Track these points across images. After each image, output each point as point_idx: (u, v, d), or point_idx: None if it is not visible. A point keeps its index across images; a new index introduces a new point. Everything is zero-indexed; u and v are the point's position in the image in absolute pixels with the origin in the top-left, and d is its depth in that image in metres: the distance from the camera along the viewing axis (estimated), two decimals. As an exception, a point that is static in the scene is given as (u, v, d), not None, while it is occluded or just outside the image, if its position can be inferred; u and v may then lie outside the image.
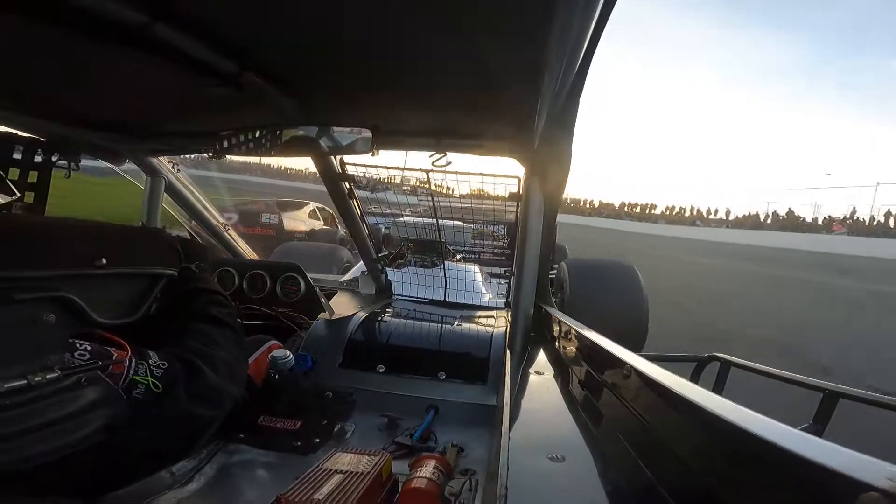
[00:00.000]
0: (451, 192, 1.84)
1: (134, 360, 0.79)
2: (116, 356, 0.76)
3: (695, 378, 1.24)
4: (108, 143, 1.48)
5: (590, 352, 1.07)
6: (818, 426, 0.80)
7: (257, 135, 1.28)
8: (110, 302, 0.93)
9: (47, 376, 0.64)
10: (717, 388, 1.11)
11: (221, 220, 2.15)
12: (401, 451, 1.08)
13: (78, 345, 0.72)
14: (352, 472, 0.86)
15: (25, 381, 0.62)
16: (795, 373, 1.03)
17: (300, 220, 10.55)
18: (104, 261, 0.89)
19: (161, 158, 1.73)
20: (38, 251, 0.80)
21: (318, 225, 10.97)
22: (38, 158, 1.31)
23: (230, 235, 2.18)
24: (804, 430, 0.42)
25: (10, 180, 1.20)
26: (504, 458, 0.67)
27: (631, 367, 0.78)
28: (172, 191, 1.84)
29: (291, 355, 1.30)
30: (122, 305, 0.97)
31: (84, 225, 1.01)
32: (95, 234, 0.98)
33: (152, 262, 1.04)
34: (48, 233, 0.87)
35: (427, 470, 0.88)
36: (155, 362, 0.82)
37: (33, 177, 1.30)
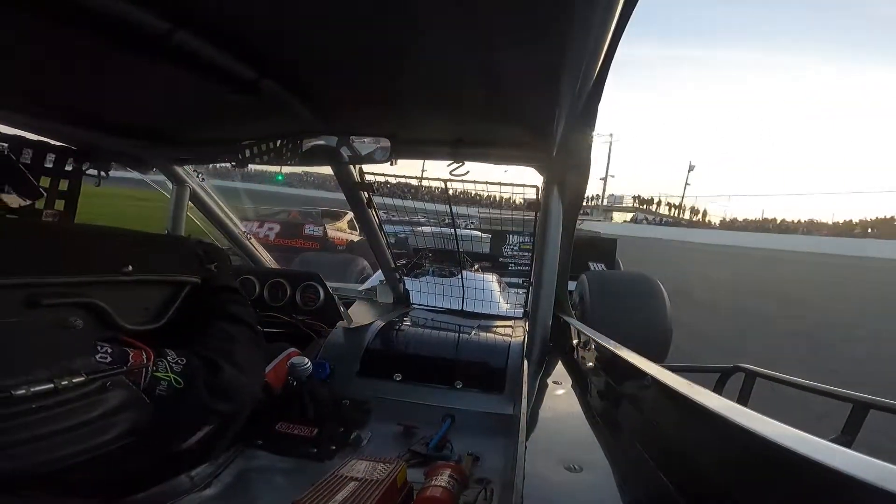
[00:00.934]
0: (469, 199, 1.84)
1: (153, 356, 0.80)
2: (134, 355, 0.78)
3: (718, 389, 1.20)
4: (136, 150, 1.52)
5: (609, 362, 1.05)
6: (848, 437, 0.77)
7: (278, 144, 1.30)
8: (136, 308, 0.95)
9: (73, 380, 0.65)
10: (742, 400, 1.07)
11: (243, 228, 2.19)
12: (416, 459, 1.08)
13: (99, 347, 0.73)
14: (367, 480, 0.85)
15: (52, 385, 0.63)
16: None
17: (341, 231, 9.91)
18: (131, 268, 0.91)
19: (186, 167, 1.77)
20: (67, 258, 0.82)
21: (357, 236, 9.65)
22: (68, 167, 1.35)
23: (251, 244, 2.22)
24: (832, 440, 0.40)
25: (42, 187, 1.25)
26: (520, 468, 0.66)
27: (651, 377, 0.76)
28: (197, 199, 1.88)
29: (310, 363, 1.31)
30: (148, 311, 0.99)
31: (112, 233, 1.04)
32: (123, 241, 1.01)
33: (177, 270, 1.07)
34: (77, 240, 0.90)
35: (442, 479, 0.87)
36: (173, 358, 0.83)
37: (64, 185, 1.34)
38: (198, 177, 1.84)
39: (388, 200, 1.81)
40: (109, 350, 0.74)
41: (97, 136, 1.35)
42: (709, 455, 0.56)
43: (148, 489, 0.87)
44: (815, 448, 0.39)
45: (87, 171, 1.41)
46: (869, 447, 0.45)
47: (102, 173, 1.47)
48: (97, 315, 0.84)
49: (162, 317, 1.01)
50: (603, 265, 5.67)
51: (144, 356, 0.78)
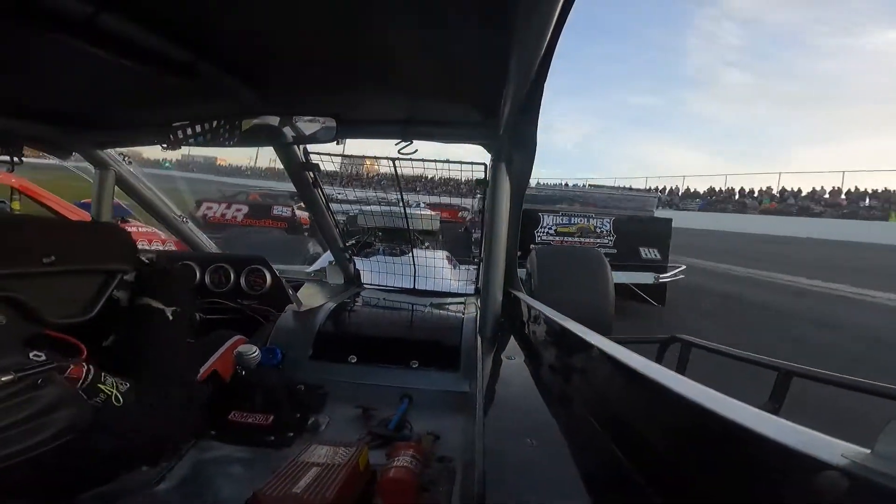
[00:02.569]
0: (418, 179, 1.83)
1: (93, 368, 0.76)
2: (73, 360, 0.74)
3: (659, 359, 1.29)
4: (54, 135, 1.39)
5: (559, 336, 1.10)
6: (775, 405, 0.86)
7: (214, 125, 1.23)
8: (62, 300, 0.90)
9: (2, 379, 0.62)
10: (680, 368, 1.16)
11: (178, 212, 2.07)
12: (376, 441, 1.09)
13: (33, 356, 0.69)
14: (328, 465, 0.85)
15: None
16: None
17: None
18: (53, 258, 0.86)
19: (110, 150, 1.64)
20: None
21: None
22: None
23: (189, 228, 2.10)
24: (761, 408, 0.45)
25: None
26: (480, 445, 0.68)
27: (599, 349, 0.80)
28: (124, 184, 1.75)
29: (258, 350, 1.27)
30: (76, 304, 0.94)
31: (30, 221, 0.96)
32: (43, 231, 0.93)
33: (105, 259, 1.00)
34: None
35: (404, 459, 0.88)
36: (119, 380, 0.80)
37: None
38: (124, 160, 1.70)
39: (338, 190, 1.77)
40: (42, 357, 0.70)
41: (12, 121, 1.22)
42: (652, 423, 0.61)
43: (97, 487, 0.83)
44: (745, 415, 0.43)
45: None
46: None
47: (16, 159, 1.33)
48: (20, 310, 0.78)
49: (92, 309, 0.95)
50: (656, 251, 5.31)
51: (85, 366, 0.74)
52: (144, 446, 0.86)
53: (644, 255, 5.32)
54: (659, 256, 5.34)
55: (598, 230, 5.53)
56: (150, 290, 1.07)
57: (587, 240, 5.45)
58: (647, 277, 5.20)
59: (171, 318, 1.06)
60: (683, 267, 5.60)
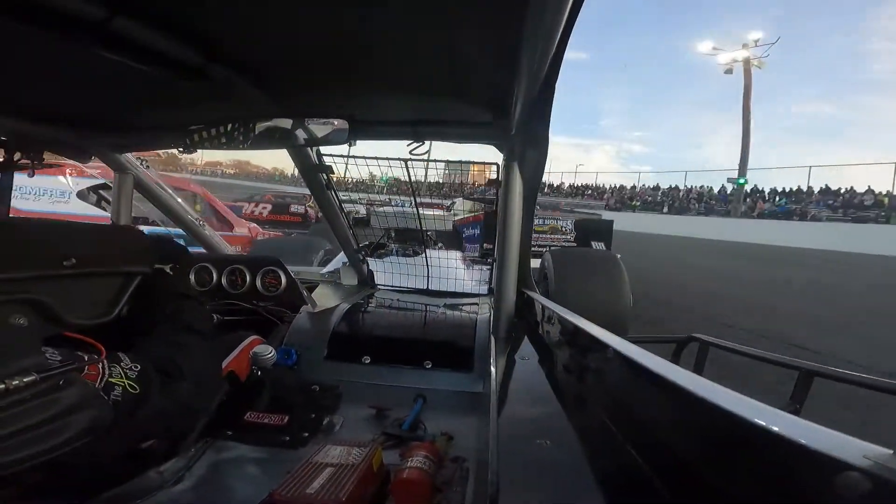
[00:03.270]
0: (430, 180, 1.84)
1: (106, 363, 0.77)
2: (89, 359, 0.75)
3: (675, 359, 1.27)
4: (74, 139, 1.42)
5: (573, 335, 1.09)
6: (796, 405, 0.84)
7: (229, 128, 1.25)
8: (83, 302, 0.92)
9: (24, 380, 0.63)
10: (697, 368, 1.14)
11: (195, 214, 2.11)
12: (390, 441, 1.09)
13: (49, 355, 0.70)
14: (343, 465, 0.86)
15: (3, 386, 0.60)
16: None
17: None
18: (74, 261, 0.87)
19: (129, 154, 1.67)
20: (4, 253, 0.77)
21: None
22: None
23: (206, 231, 2.14)
24: (782, 409, 0.44)
25: None
26: (493, 445, 0.68)
27: (613, 349, 0.79)
28: (142, 188, 1.79)
29: (274, 350, 1.29)
30: (96, 305, 0.95)
31: (51, 225, 0.98)
32: (63, 234, 0.95)
33: (124, 261, 1.02)
34: (13, 234, 0.85)
35: (418, 459, 0.88)
36: (127, 364, 0.80)
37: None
38: (142, 164, 1.74)
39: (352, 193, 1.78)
40: (59, 357, 0.71)
41: (29, 125, 1.25)
42: (668, 424, 0.60)
43: (116, 487, 0.85)
44: (765, 416, 0.42)
45: (20, 162, 1.31)
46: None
47: (36, 163, 1.37)
48: (41, 311, 0.80)
49: (111, 311, 0.97)
50: (603, 244, 7.20)
51: (101, 360, 0.76)
52: (164, 437, 0.88)
53: (594, 246, 7.14)
54: (604, 247, 7.21)
55: (564, 228, 7.64)
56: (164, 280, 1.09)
57: (556, 236, 7.55)
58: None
59: (169, 271, 1.10)
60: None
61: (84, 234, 1.01)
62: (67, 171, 5.07)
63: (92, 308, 0.94)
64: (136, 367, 0.82)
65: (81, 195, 5.20)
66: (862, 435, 0.36)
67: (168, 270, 1.10)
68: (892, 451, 0.33)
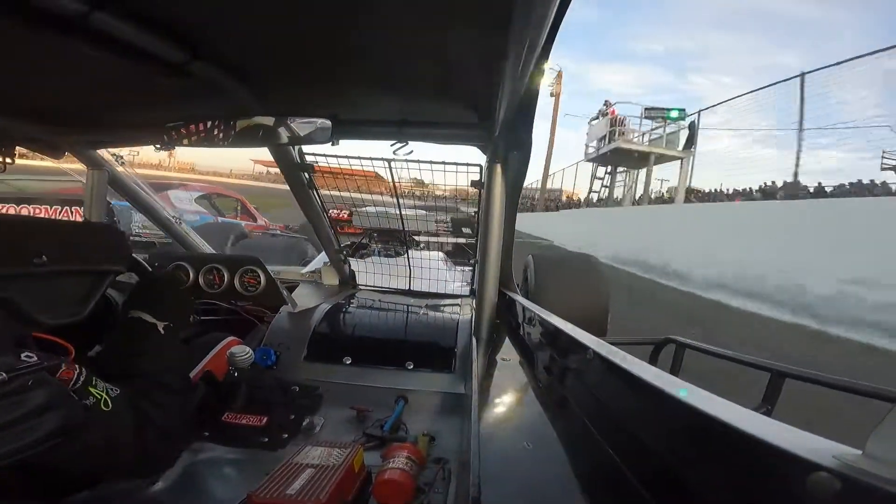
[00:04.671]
0: (413, 181, 1.83)
1: (85, 371, 0.76)
2: (63, 360, 0.73)
3: (653, 360, 1.30)
4: (47, 135, 1.38)
5: (553, 337, 1.10)
6: (768, 406, 0.86)
7: (209, 125, 1.22)
8: (54, 301, 0.90)
9: None
10: (674, 369, 1.17)
11: (173, 213, 2.06)
12: (372, 442, 1.09)
13: (24, 357, 0.68)
14: (323, 466, 0.85)
15: None
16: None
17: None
18: (45, 258, 0.85)
19: (102, 150, 1.63)
20: None
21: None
22: None
23: (183, 229, 2.09)
24: (754, 410, 0.46)
25: None
26: (475, 446, 0.68)
27: (593, 351, 0.81)
28: (117, 184, 1.74)
29: (251, 351, 1.27)
30: (68, 305, 0.93)
31: (21, 222, 0.96)
32: (34, 231, 0.93)
33: (97, 259, 1.00)
34: None
35: (399, 460, 0.88)
36: (110, 385, 0.79)
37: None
38: (117, 160, 1.69)
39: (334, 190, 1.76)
40: (34, 358, 0.69)
41: (4, 121, 1.21)
42: (646, 425, 0.62)
43: (92, 488, 0.83)
44: (737, 417, 0.43)
45: None
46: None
47: (7, 160, 1.32)
48: (11, 310, 0.78)
49: (83, 310, 0.95)
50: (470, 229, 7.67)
51: (76, 367, 0.74)
52: (137, 448, 0.86)
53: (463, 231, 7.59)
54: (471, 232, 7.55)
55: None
56: (141, 302, 1.06)
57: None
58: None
59: (162, 332, 1.04)
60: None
61: (56, 231, 0.98)
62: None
63: (63, 307, 0.92)
64: (116, 391, 0.80)
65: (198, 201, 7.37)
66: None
67: (161, 330, 1.05)
68: (860, 452, 0.34)
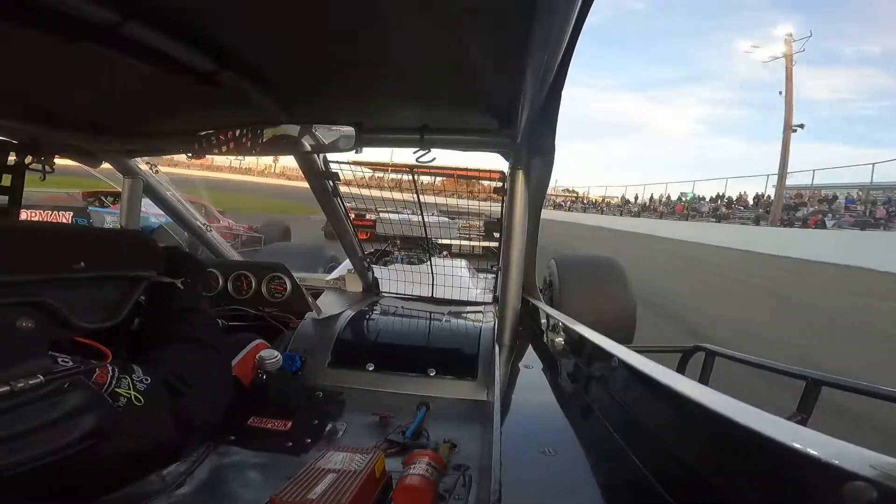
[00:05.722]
0: (436, 188, 1.84)
1: (116, 371, 0.77)
2: (97, 363, 0.75)
3: (681, 368, 1.26)
4: (83, 143, 1.45)
5: (577, 344, 1.08)
6: (803, 415, 0.82)
7: (237, 134, 1.26)
8: (91, 306, 0.92)
9: (30, 382, 0.63)
10: (703, 378, 1.13)
11: (203, 220, 2.12)
12: (393, 448, 1.08)
13: (61, 361, 0.70)
14: (345, 471, 0.86)
15: (9, 388, 0.60)
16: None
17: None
18: (83, 264, 0.88)
19: (138, 159, 1.69)
20: (13, 256, 0.78)
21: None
22: (10, 161, 1.28)
23: (212, 236, 2.15)
24: (789, 418, 0.44)
25: None
26: (497, 454, 0.67)
27: (618, 358, 0.79)
28: (151, 192, 1.81)
29: (279, 355, 1.29)
30: (104, 309, 0.96)
31: (61, 229, 0.99)
32: (73, 237, 0.96)
33: (132, 265, 1.03)
34: (24, 237, 0.86)
35: (420, 467, 0.88)
36: (139, 377, 0.81)
37: (6, 180, 1.26)
38: (151, 169, 1.75)
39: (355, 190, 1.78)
40: (69, 362, 0.71)
41: (41, 129, 1.27)
42: (673, 434, 0.60)
43: (118, 490, 0.85)
44: (771, 426, 0.42)
45: (31, 166, 1.33)
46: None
47: (47, 168, 1.38)
48: (49, 314, 0.80)
49: (118, 314, 0.98)
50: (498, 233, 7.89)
51: (109, 369, 0.76)
52: (171, 442, 0.87)
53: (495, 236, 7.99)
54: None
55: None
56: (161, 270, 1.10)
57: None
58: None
59: (181, 287, 1.09)
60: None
61: (93, 238, 1.02)
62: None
63: (100, 311, 0.94)
64: (147, 381, 0.82)
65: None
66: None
67: (179, 285, 1.10)
68: None
